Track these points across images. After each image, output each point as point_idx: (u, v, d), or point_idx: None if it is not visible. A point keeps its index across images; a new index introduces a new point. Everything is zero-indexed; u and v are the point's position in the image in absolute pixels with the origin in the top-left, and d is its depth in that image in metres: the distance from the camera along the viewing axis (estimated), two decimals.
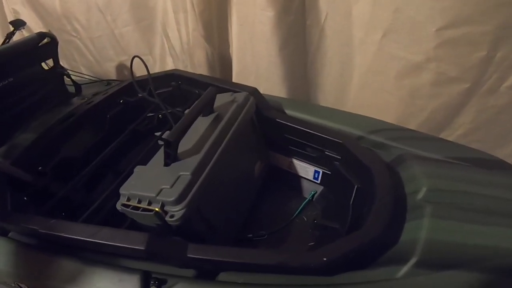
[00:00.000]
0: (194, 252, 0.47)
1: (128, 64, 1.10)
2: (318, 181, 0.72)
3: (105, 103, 0.84)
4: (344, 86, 0.89)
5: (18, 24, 1.09)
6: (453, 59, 0.68)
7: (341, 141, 0.63)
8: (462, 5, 0.61)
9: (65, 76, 0.96)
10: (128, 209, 0.51)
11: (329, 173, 0.69)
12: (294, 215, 0.71)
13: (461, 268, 0.42)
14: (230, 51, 0.97)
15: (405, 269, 0.43)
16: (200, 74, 0.85)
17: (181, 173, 0.52)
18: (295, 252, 0.51)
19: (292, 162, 0.74)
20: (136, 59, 0.79)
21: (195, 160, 0.54)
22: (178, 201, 0.49)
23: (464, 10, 0.62)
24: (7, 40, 1.05)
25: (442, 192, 0.51)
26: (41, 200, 0.66)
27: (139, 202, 0.51)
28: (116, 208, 0.53)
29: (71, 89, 0.99)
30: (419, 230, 0.47)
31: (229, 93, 0.69)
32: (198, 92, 0.83)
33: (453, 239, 0.45)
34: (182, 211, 0.48)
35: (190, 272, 0.48)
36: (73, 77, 0.98)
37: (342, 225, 0.61)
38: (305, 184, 0.75)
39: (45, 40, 0.86)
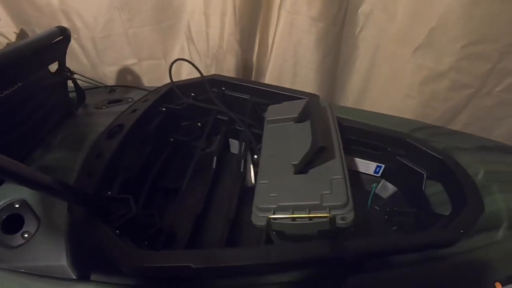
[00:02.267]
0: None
1: (136, 68, 1.00)
2: (379, 175, 0.78)
3: (150, 112, 0.73)
4: (365, 90, 0.99)
5: None
6: (468, 70, 0.84)
7: (404, 138, 0.71)
8: (484, 27, 0.76)
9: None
10: (285, 222, 0.49)
11: (392, 167, 0.75)
12: (369, 206, 0.75)
13: None
14: (254, 58, 0.96)
15: (501, 232, 0.54)
16: (244, 79, 0.82)
17: (332, 177, 0.52)
18: (432, 230, 0.55)
19: (353, 160, 0.78)
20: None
21: (336, 163, 0.54)
22: (346, 204, 0.49)
23: (485, 31, 0.77)
24: None
25: (495, 173, 0.63)
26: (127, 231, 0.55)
27: (293, 212, 0.49)
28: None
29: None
30: (497, 203, 0.57)
31: (304, 100, 0.69)
32: (248, 98, 0.80)
33: None
34: (352, 213, 0.49)
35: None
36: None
37: (420, 209, 0.68)
38: (363, 178, 0.81)
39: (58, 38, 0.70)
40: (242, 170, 0.75)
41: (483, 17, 0.75)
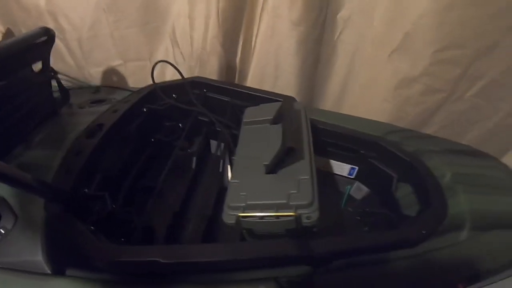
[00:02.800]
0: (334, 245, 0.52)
1: (121, 69, 1.01)
2: (353, 177, 0.81)
3: (131, 112, 0.75)
4: (343, 94, 1.01)
5: None
6: (439, 74, 0.86)
7: (376, 141, 0.74)
8: (455, 32, 0.79)
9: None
10: (253, 220, 0.51)
11: (365, 168, 0.78)
12: (342, 206, 0.78)
13: (503, 228, 0.58)
14: (237, 60, 0.99)
15: (465, 233, 0.56)
16: (225, 81, 0.84)
17: (300, 177, 0.54)
18: (396, 231, 0.58)
19: (328, 162, 0.81)
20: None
21: (305, 164, 0.57)
22: (311, 203, 0.51)
23: (456, 36, 0.79)
24: None
25: (461, 175, 0.66)
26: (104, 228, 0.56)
27: (261, 211, 0.52)
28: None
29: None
30: (461, 204, 0.60)
31: (280, 103, 0.71)
32: (228, 100, 0.83)
33: (488, 208, 0.60)
34: (317, 212, 0.51)
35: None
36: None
37: (391, 210, 0.71)
38: (338, 180, 0.83)
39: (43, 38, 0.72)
40: (220, 170, 0.77)
41: (454, 23, 0.77)
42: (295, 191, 0.52)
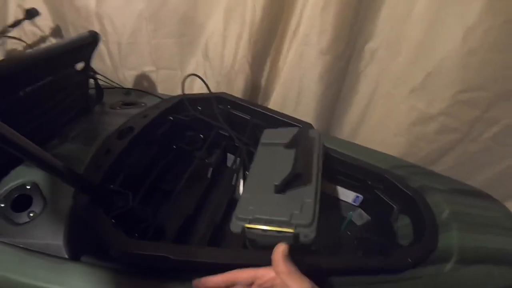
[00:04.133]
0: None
1: (153, 75, 1.10)
2: (357, 204, 0.86)
3: (159, 119, 0.83)
4: (359, 125, 1.07)
5: (32, 13, 0.98)
6: (456, 115, 0.91)
7: (383, 174, 0.78)
8: (476, 75, 0.83)
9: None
10: (257, 232, 0.57)
11: (369, 197, 0.83)
12: (342, 230, 0.83)
13: (487, 263, 0.62)
14: (263, 81, 1.06)
15: (449, 265, 0.60)
16: (248, 101, 0.91)
17: (305, 200, 0.60)
18: (383, 256, 0.62)
19: (335, 188, 0.86)
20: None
21: (310, 189, 0.62)
22: (310, 224, 0.57)
23: (477, 80, 0.83)
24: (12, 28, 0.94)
25: (458, 214, 0.70)
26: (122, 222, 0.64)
27: (266, 225, 0.58)
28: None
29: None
30: (452, 240, 0.64)
31: (296, 128, 0.77)
32: (249, 119, 0.89)
33: (478, 245, 0.64)
34: (314, 232, 0.56)
35: None
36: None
37: (388, 238, 0.76)
38: (342, 205, 0.88)
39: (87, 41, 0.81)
40: (233, 183, 0.83)
41: (476, 67, 0.81)
42: (297, 212, 0.58)
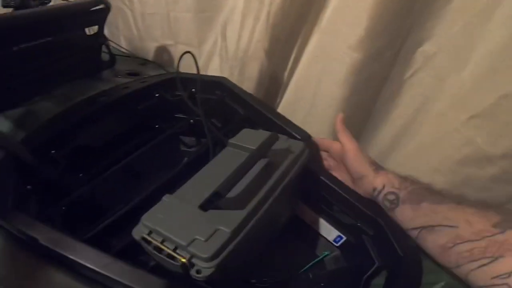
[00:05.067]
0: None
1: (172, 49, 1.06)
2: (337, 245, 0.67)
3: (141, 93, 0.78)
4: (391, 150, 0.84)
5: None
6: None
7: (378, 219, 0.59)
8: None
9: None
10: (149, 248, 0.47)
11: (353, 242, 0.65)
12: (302, 270, 0.66)
13: None
14: (285, 75, 0.91)
15: None
16: (250, 94, 0.78)
17: (220, 227, 0.47)
18: None
19: (317, 219, 0.69)
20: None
21: (238, 215, 0.48)
22: (210, 258, 0.44)
23: None
24: None
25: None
26: (47, 193, 0.60)
27: (163, 241, 0.47)
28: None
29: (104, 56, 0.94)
30: None
31: (284, 137, 0.64)
32: (242, 113, 0.78)
33: None
34: (211, 269, 0.43)
35: None
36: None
37: None
38: (320, 241, 0.71)
39: (99, 6, 0.80)
40: None
41: None
42: (202, 239, 0.45)
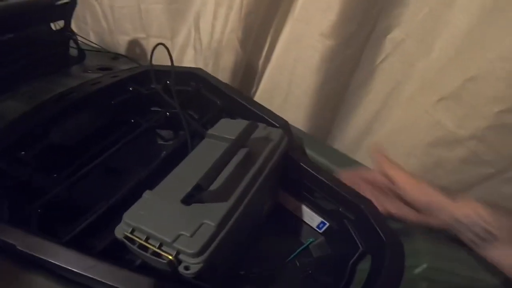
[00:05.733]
0: None
1: (144, 42, 1.01)
2: (321, 231, 0.67)
3: (114, 88, 0.73)
4: (365, 135, 0.84)
5: None
6: (495, 144, 0.64)
7: (359, 204, 0.58)
8: None
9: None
10: (133, 246, 0.44)
11: (336, 228, 0.64)
12: (289, 258, 0.66)
13: None
14: (260, 63, 0.89)
15: None
16: (226, 84, 0.75)
17: (204, 220, 0.44)
18: None
19: (300, 206, 0.68)
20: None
21: (221, 208, 0.46)
22: (197, 254, 0.42)
23: None
24: None
25: (438, 271, 0.51)
26: (17, 196, 0.55)
27: (147, 239, 0.44)
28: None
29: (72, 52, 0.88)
30: None
31: (263, 126, 0.62)
32: (219, 104, 0.75)
33: None
34: (200, 265, 0.41)
35: None
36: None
37: (337, 281, 0.57)
38: (304, 228, 0.70)
39: (65, 0, 0.74)
40: None
41: None
42: (187, 234, 0.43)
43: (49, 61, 0.80)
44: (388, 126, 0.79)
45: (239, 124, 0.63)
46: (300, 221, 0.69)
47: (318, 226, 0.66)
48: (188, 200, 0.47)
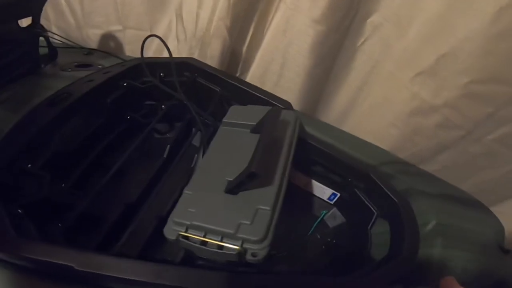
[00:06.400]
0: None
1: (120, 35, 0.92)
2: (332, 202, 0.71)
3: (108, 85, 0.67)
4: (350, 109, 0.90)
5: None
6: (464, 110, 0.73)
7: (368, 172, 0.63)
8: (500, 65, 0.65)
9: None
10: (195, 244, 0.43)
11: (346, 197, 0.68)
12: (309, 232, 0.69)
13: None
14: (244, 49, 0.88)
15: None
16: (220, 70, 0.74)
17: (259, 206, 0.45)
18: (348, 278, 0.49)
19: (310, 181, 0.71)
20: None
21: (269, 192, 0.48)
22: (262, 240, 0.43)
23: (502, 70, 0.65)
24: None
25: (445, 226, 0.57)
26: (41, 213, 0.49)
27: (205, 235, 0.43)
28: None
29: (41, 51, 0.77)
30: (432, 259, 0.52)
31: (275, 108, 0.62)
32: (218, 91, 0.73)
33: (457, 265, 0.53)
34: (266, 249, 0.42)
35: None
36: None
37: (358, 246, 0.62)
38: (315, 202, 0.73)
39: None
40: (193, 165, 0.68)
41: (503, 54, 0.63)
42: (247, 222, 0.43)
43: (20, 62, 0.70)
44: (370, 101, 0.85)
45: (253, 110, 0.63)
46: (310, 196, 0.72)
47: (329, 198, 0.70)
48: (235, 189, 0.47)
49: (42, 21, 0.94)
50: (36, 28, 0.71)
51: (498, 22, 0.60)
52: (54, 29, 0.97)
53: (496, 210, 0.64)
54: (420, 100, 0.77)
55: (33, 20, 0.70)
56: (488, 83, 0.67)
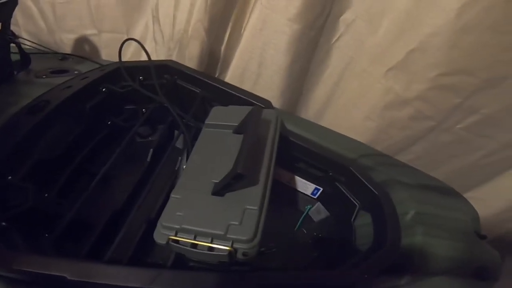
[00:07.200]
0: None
1: (95, 39, 0.89)
2: (315, 197, 0.72)
3: (87, 90, 0.65)
4: (327, 105, 0.91)
5: None
6: (434, 101, 0.76)
7: (347, 166, 0.64)
8: (465, 58, 0.67)
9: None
10: (185, 247, 0.42)
11: (329, 191, 0.69)
12: (296, 228, 0.70)
13: (445, 274, 0.52)
14: (222, 49, 0.87)
15: (407, 277, 0.50)
16: (200, 71, 0.73)
17: (246, 206, 0.45)
18: (339, 270, 0.51)
19: (293, 177, 0.72)
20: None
21: (255, 191, 0.47)
22: (252, 239, 0.43)
23: (467, 63, 0.67)
24: None
25: (424, 215, 0.59)
26: (28, 224, 0.47)
27: (195, 237, 0.43)
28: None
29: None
30: (414, 247, 0.54)
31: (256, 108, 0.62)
32: (199, 92, 0.72)
33: (440, 253, 0.54)
34: (256, 248, 0.43)
35: None
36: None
37: (346, 240, 0.63)
38: (299, 198, 0.74)
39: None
40: (177, 168, 0.67)
41: (467, 47, 0.65)
42: (236, 223, 0.43)
43: None
44: (346, 96, 0.86)
45: (234, 110, 0.63)
46: (294, 192, 0.73)
47: (312, 193, 0.71)
48: (222, 191, 0.47)
49: (11, 27, 0.90)
50: (7, 34, 0.67)
51: (462, 17, 0.62)
52: (24, 35, 0.92)
53: (468, 196, 0.66)
54: (393, 94, 0.79)
55: (2, 26, 0.67)
56: (455, 75, 0.69)
